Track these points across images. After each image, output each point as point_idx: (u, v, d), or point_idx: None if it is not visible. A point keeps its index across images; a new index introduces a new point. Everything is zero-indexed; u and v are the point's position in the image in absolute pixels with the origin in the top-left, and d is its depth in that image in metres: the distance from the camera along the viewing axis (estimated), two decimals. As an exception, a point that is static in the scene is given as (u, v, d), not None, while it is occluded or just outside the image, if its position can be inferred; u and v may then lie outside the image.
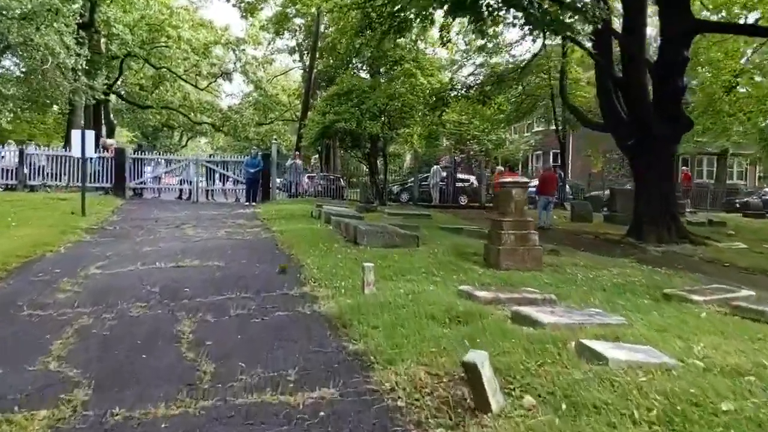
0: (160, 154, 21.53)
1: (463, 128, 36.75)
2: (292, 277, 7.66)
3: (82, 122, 32.86)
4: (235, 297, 6.65)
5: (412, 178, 25.37)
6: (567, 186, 26.31)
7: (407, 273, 7.69)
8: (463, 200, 26.58)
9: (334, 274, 7.53)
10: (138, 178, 18.93)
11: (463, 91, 17.93)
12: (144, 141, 60.67)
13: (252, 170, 18.97)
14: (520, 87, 22.16)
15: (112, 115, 61.42)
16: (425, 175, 25.74)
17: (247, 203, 18.95)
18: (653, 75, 13.19)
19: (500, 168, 21.67)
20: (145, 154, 19.47)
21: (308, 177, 33.00)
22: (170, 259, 8.99)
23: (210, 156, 23.62)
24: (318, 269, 7.87)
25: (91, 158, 16.44)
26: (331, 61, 32.62)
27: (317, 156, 43.46)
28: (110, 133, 40.48)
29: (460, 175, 26.65)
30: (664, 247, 12.66)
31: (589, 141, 30.78)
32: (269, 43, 41.95)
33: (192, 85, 40.41)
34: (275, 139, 22.97)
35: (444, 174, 24.49)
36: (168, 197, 20.13)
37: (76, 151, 14.34)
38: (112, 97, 42.21)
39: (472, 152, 39.12)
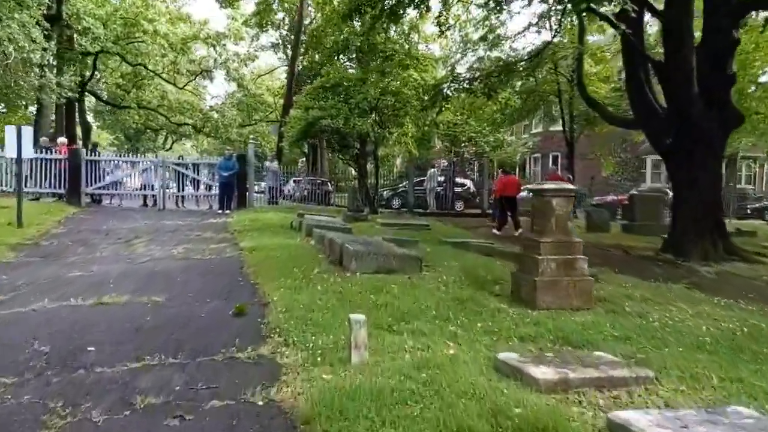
0: (123, 155, 19.13)
1: (458, 129, 34.66)
2: (250, 325, 5.43)
3: (53, 122, 30.53)
4: (157, 365, 4.42)
5: (405, 183, 23.19)
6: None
7: (412, 318, 5.48)
8: (460, 206, 24.47)
9: (310, 322, 5.31)
10: (96, 182, 16.57)
11: (465, 84, 15.75)
12: (126, 143, 58.27)
13: (226, 174, 16.69)
14: (531, 79, 19.96)
15: (89, 116, 58.98)
16: (420, 179, 23.56)
17: (220, 211, 16.67)
18: (696, 60, 11.05)
19: (502, 171, 19.54)
20: (100, 155, 16.96)
21: (294, 181, 30.85)
22: (95, 291, 6.74)
23: (180, 158, 21.18)
24: (287, 312, 5.63)
25: (33, 158, 14.14)
26: (317, 56, 30.47)
27: (304, 159, 41.33)
28: (86, 134, 38.17)
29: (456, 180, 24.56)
30: (713, 266, 10.50)
31: (595, 142, 28.71)
32: (253, 40, 39.79)
33: (171, 83, 38.06)
34: (253, 139, 20.62)
35: (441, 178, 22.31)
36: (133, 204, 17.80)
37: (10, 151, 12.03)
38: (89, 97, 40.11)
39: (467, 155, 37.01)
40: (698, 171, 11.41)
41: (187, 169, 18.05)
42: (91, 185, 16.52)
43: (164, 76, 37.92)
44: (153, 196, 17.26)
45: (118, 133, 61.25)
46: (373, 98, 16.49)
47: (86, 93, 37.74)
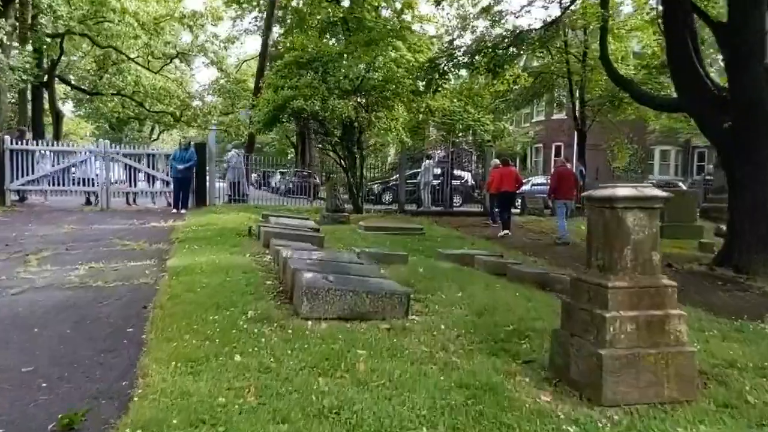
0: (57, 145, 16.33)
1: (455, 117, 31.95)
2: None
3: (13, 108, 27.83)
4: None
5: (397, 176, 20.56)
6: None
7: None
8: (458, 201, 21.84)
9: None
10: (24, 175, 13.85)
11: (466, 58, 13.13)
12: (111, 133, 55.11)
13: (181, 167, 14.02)
14: (543, 55, 17.30)
15: (68, 104, 56.00)
16: (413, 171, 20.88)
17: (174, 210, 14.04)
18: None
19: (495, 161, 16.81)
20: (28, 144, 14.14)
21: (281, 173, 28.24)
22: None
23: (127, 147, 18.39)
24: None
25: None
26: (301, 37, 27.64)
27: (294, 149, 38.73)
28: (57, 122, 35.42)
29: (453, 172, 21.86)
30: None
31: (604, 131, 26.07)
32: (235, 21, 36.95)
33: (145, 67, 35.23)
34: (215, 125, 17.85)
35: (438, 171, 19.66)
36: (74, 203, 15.10)
37: None
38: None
39: (465, 145, 34.27)
40: (764, 165, 8.83)
41: (138, 161, 15.32)
42: (17, 179, 13.80)
43: (139, 60, 35.21)
44: (94, 193, 14.56)
45: (101, 123, 58.18)
46: (356, 76, 13.81)
47: (56, 78, 35.25)
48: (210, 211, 13.68)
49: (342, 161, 15.22)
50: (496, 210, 15.69)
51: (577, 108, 21.22)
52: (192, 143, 14.85)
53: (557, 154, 39.49)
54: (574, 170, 17.61)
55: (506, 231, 14.18)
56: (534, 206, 17.34)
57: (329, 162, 29.03)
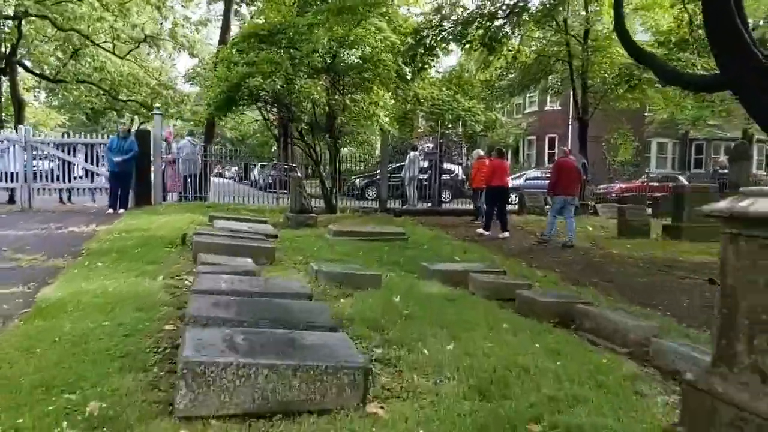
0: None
1: (444, 107, 29.80)
2: None
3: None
4: None
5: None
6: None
7: None
8: (447, 196, 19.72)
9: None
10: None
11: (458, 29, 11.01)
12: (89, 124, 52.33)
13: (119, 159, 11.80)
14: (546, 29, 15.18)
15: (41, 94, 53.37)
16: (399, 164, 18.70)
17: (111, 211, 11.83)
18: None
19: (478, 152, 14.68)
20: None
21: (261, 167, 26.10)
22: None
23: (63, 135, 16.07)
24: None
25: None
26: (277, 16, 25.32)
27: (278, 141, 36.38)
28: (19, 111, 32.99)
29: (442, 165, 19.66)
30: None
31: (604, 122, 24.04)
32: (210, 4, 34.56)
33: (110, 52, 32.75)
34: (158, 108, 15.49)
35: (425, 164, 17.51)
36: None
37: None
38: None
39: (455, 137, 32.15)
40: None
41: (71, 152, 13.04)
42: None
43: (106, 45, 32.76)
44: (12, 189, 12.29)
45: (76, 113, 55.38)
46: (326, 51, 11.62)
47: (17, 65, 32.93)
48: (152, 212, 11.46)
49: (312, 152, 13.03)
50: (482, 206, 13.69)
51: (578, 95, 19.10)
52: (132, 130, 12.62)
53: (551, 146, 37.49)
54: (576, 164, 15.60)
55: (506, 233, 12.13)
56: (534, 204, 15.29)
57: (317, 154, 26.75)
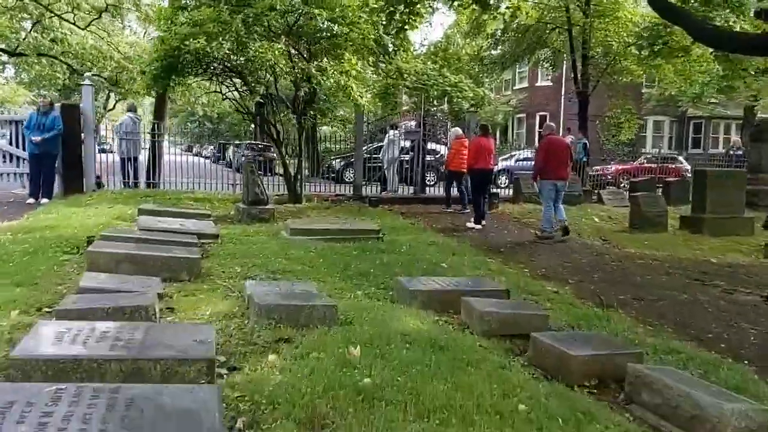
0: None
1: (429, 82, 27.80)
2: None
3: None
4: None
5: (365, 149, 16.38)
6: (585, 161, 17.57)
7: None
8: (431, 179, 17.74)
9: None
10: None
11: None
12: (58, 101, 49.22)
13: (38, 137, 9.79)
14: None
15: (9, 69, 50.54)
16: (379, 145, 16.69)
17: (32, 200, 9.86)
18: None
19: (456, 131, 12.74)
20: None
21: (234, 146, 24.01)
22: None
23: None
24: None
25: None
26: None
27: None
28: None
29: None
30: None
31: (597, 98, 22.15)
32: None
33: (71, 23, 30.26)
34: (89, 77, 13.21)
35: (406, 143, 15.58)
36: None
37: None
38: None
39: (440, 114, 30.17)
40: None
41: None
42: None
43: (66, 15, 30.26)
44: None
45: (48, 89, 52.35)
46: (288, 9, 9.62)
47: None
48: (76, 203, 9.47)
49: (271, 129, 11.04)
50: (465, 192, 11.95)
51: (578, 67, 17.21)
52: (55, 104, 10.58)
53: (541, 125, 35.58)
54: (570, 142, 13.74)
55: (479, 224, 10.33)
56: (531, 191, 13.48)
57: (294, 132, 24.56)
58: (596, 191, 14.47)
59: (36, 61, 34.05)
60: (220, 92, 10.99)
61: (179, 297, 4.78)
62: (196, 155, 34.60)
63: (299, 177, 11.20)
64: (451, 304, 5.06)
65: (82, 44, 31.51)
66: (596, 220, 11.81)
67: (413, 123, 15.51)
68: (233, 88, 10.96)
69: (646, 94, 30.97)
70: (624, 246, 9.46)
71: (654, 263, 8.11)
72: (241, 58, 9.61)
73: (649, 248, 9.26)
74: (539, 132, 10.37)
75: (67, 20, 30.47)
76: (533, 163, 11.04)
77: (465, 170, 11.97)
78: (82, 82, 11.89)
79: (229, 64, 10.01)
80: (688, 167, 24.28)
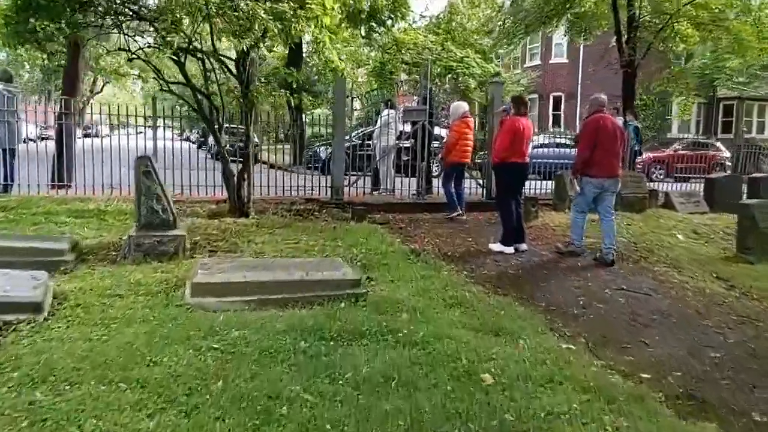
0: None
1: (431, 57, 23.97)
2: None
3: None
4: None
5: (355, 134, 12.50)
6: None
7: None
8: (435, 169, 13.76)
9: None
10: None
11: None
12: (44, 83, 45.01)
13: None
14: None
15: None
16: (370, 129, 12.77)
17: None
18: None
19: (460, 106, 8.91)
20: None
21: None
22: None
23: None
24: None
25: None
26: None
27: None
28: None
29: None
30: None
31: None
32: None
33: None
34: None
35: (405, 127, 11.79)
36: None
37: None
38: None
39: (442, 93, 26.29)
40: None
41: None
42: None
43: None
44: None
45: (30, 70, 47.68)
46: None
47: None
48: None
49: (199, 108, 7.26)
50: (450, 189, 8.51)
51: (622, 31, 13.43)
52: None
53: (556, 107, 31.85)
54: (620, 125, 10.04)
55: (515, 246, 6.79)
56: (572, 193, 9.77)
57: (279, 117, 20.53)
58: (660, 192, 10.78)
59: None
60: (128, 49, 7.18)
61: None
62: (186, 140, 31.04)
63: (246, 177, 7.45)
64: None
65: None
66: (680, 237, 8.15)
67: (414, 99, 11.47)
68: (146, 45, 7.17)
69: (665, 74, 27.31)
70: (760, 291, 5.81)
71: None
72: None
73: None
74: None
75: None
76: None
77: (468, 161, 8.90)
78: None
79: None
80: (728, 155, 20.85)
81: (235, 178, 7.36)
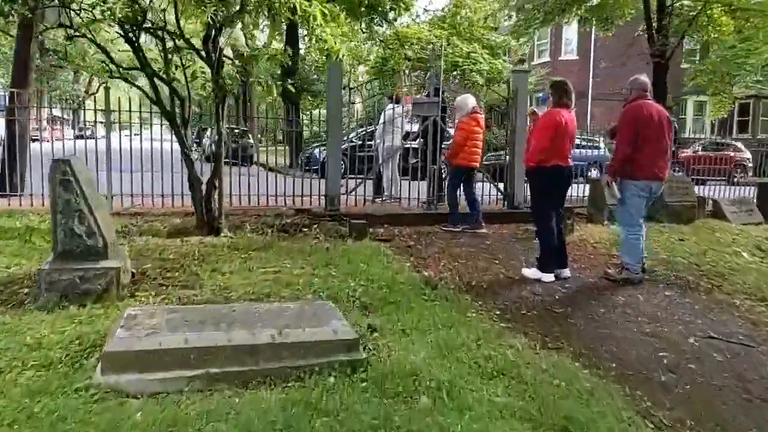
0: None
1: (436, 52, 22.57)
2: None
3: None
4: None
5: (355, 134, 10.96)
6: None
7: None
8: (444, 170, 12.21)
9: None
10: None
11: None
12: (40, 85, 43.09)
13: None
14: None
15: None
16: (371, 129, 11.16)
17: None
18: None
19: (467, 100, 7.52)
20: None
21: (211, 129, 18.77)
22: None
23: None
24: None
25: None
26: None
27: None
28: None
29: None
30: None
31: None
32: None
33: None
34: None
35: (412, 126, 10.36)
36: None
37: None
38: None
39: (449, 88, 24.82)
40: None
41: None
42: None
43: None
44: None
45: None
46: None
47: None
48: None
49: (158, 98, 5.84)
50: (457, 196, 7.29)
51: (653, 22, 11.98)
52: None
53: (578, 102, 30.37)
54: (667, 114, 8.60)
55: (554, 274, 5.40)
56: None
57: (274, 115, 19.02)
58: (707, 198, 9.33)
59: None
60: (69, 25, 5.72)
61: None
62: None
63: (216, 185, 6.02)
64: None
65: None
66: (746, 256, 6.72)
67: (424, 93, 10.00)
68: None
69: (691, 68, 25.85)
70: None
71: None
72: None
73: None
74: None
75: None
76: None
77: (477, 165, 7.65)
78: None
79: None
80: (749, 156, 19.60)
81: (204, 186, 5.90)
